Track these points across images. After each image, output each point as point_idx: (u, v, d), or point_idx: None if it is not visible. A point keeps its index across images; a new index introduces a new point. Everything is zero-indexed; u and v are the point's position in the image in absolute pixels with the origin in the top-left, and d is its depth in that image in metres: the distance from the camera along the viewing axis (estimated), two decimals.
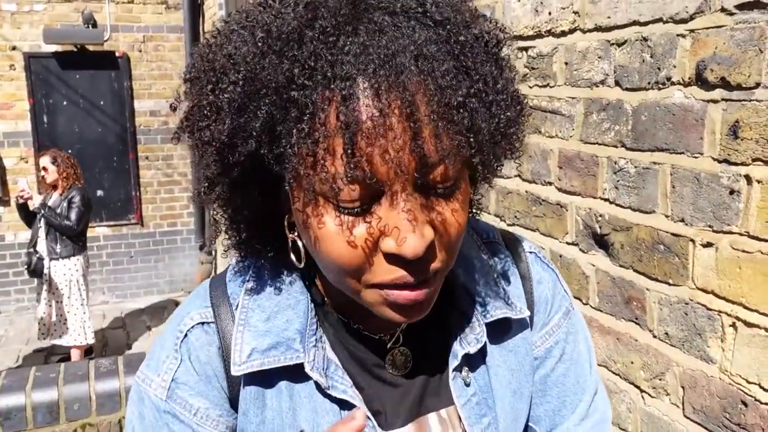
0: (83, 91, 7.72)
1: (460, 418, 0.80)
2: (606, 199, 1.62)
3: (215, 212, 0.76)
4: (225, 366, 0.76)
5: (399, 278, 0.63)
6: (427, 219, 0.63)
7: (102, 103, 7.82)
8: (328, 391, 0.75)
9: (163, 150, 8.10)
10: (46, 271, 5.71)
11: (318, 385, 0.76)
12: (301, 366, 0.74)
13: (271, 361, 0.74)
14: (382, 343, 0.80)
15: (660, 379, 1.52)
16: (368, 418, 0.76)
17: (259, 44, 0.61)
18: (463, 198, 0.66)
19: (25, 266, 5.88)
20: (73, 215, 5.56)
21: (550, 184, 1.83)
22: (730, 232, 1.29)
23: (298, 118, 0.60)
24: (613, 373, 1.66)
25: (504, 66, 0.69)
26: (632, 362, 1.60)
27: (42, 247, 5.69)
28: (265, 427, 0.76)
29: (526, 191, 1.94)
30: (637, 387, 1.59)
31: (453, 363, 0.79)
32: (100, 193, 7.84)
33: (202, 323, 0.77)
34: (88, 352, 6.15)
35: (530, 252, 0.89)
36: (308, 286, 0.79)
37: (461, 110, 0.60)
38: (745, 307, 1.28)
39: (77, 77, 7.69)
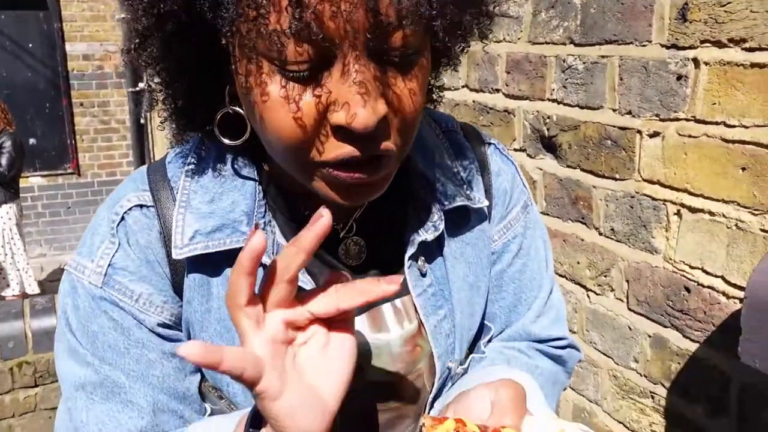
0: (9, 33, 7.27)
1: (416, 308, 0.76)
2: (554, 100, 1.60)
3: (149, 77, 0.68)
4: (167, 251, 0.69)
5: (347, 154, 0.57)
6: (381, 93, 0.56)
7: (30, 45, 7.39)
8: None
9: (98, 96, 7.75)
10: None
11: None
12: None
13: (215, 244, 0.68)
14: (334, 231, 0.74)
15: (605, 276, 1.53)
16: None
17: None
18: (423, 76, 0.60)
19: None
20: (3, 160, 5.29)
21: (498, 91, 1.80)
22: (677, 119, 1.29)
23: None
24: (560, 275, 1.67)
25: None
26: (578, 262, 1.61)
27: None
28: (211, 316, 0.71)
29: (474, 101, 1.91)
30: (583, 286, 1.61)
31: (410, 251, 0.74)
32: (32, 141, 7.47)
33: (141, 206, 0.70)
34: None
35: (489, 143, 0.85)
36: (257, 168, 0.72)
37: None
38: (690, 193, 1.28)
39: (2, 17, 7.22)
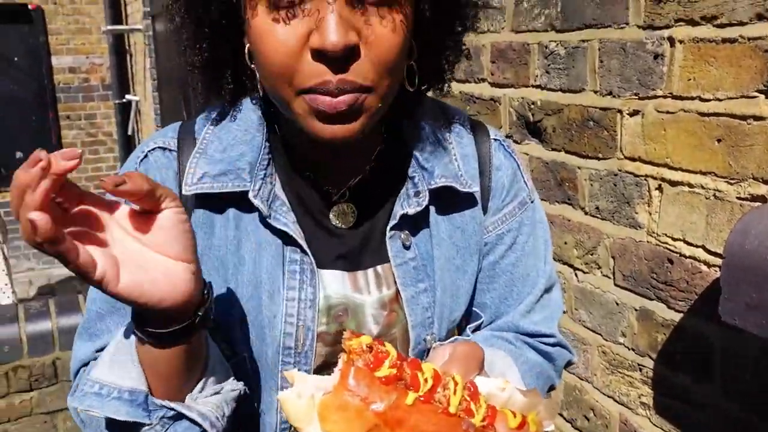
0: None
1: (395, 277, 0.83)
2: (538, 86, 1.66)
3: (180, 33, 0.78)
4: (178, 190, 0.79)
5: (322, 78, 0.65)
6: (354, 25, 0.64)
7: (16, 59, 7.38)
8: (269, 221, 0.78)
9: (85, 109, 7.74)
10: None
11: (262, 218, 0.79)
12: (247, 195, 0.77)
13: (219, 186, 0.78)
14: (329, 194, 0.83)
15: (592, 254, 1.58)
16: (305, 253, 0.79)
17: None
18: (401, 20, 0.67)
19: None
20: None
21: (484, 80, 1.85)
22: (655, 97, 1.34)
23: None
24: None
25: None
26: (566, 242, 1.66)
27: None
28: (211, 252, 0.80)
29: (461, 91, 1.96)
30: (571, 266, 1.65)
31: (391, 222, 0.82)
32: (19, 154, 7.43)
33: (163, 149, 0.82)
34: None
35: (495, 139, 0.90)
36: (269, 127, 0.82)
37: None
38: (670, 167, 1.34)
39: None
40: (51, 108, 7.56)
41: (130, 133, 7.42)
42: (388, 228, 0.82)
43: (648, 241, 1.41)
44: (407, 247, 0.83)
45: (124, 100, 7.22)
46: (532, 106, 1.68)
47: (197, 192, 0.78)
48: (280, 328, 0.79)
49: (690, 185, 1.30)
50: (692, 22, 1.25)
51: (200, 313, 0.66)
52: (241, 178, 0.78)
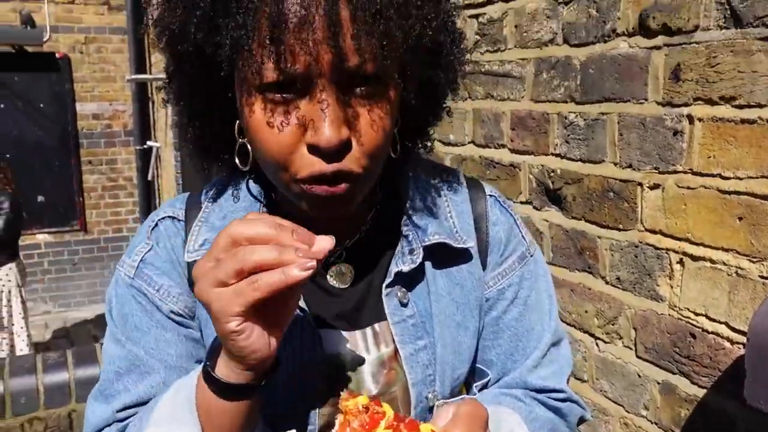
0: (22, 93, 7.47)
1: (392, 335, 0.84)
2: (557, 155, 1.68)
3: (178, 108, 0.82)
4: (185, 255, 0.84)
5: (317, 170, 0.69)
6: (345, 117, 0.68)
7: (42, 105, 7.58)
8: None
9: (106, 154, 7.90)
10: None
11: None
12: None
13: None
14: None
15: (613, 324, 1.57)
16: (304, 312, 0.82)
17: None
18: (388, 107, 0.71)
19: None
20: (0, 221, 5.35)
21: (503, 146, 1.88)
22: (675, 172, 1.36)
23: (235, 10, 0.66)
24: (568, 324, 1.71)
25: None
26: (586, 311, 1.65)
27: None
28: None
29: (480, 156, 1.99)
30: (592, 335, 1.65)
31: (387, 280, 0.83)
32: (41, 198, 7.57)
33: (172, 218, 0.87)
34: None
35: (490, 195, 0.92)
36: (266, 194, 0.86)
37: (377, 17, 0.65)
38: (691, 242, 1.34)
39: (15, 79, 7.43)
40: (74, 153, 7.72)
41: (150, 178, 7.53)
42: (384, 285, 0.83)
43: (670, 315, 1.41)
44: (404, 305, 0.84)
45: (145, 146, 7.34)
46: (552, 174, 1.70)
47: (197, 258, 0.80)
48: (281, 388, 0.80)
49: (712, 261, 1.30)
50: (711, 102, 1.27)
51: (271, 372, 0.70)
52: None
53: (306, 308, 0.81)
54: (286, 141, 0.69)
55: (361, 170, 0.71)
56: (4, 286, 5.52)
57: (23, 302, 5.68)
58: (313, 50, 0.64)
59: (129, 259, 0.85)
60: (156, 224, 0.87)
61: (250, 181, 0.86)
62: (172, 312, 0.83)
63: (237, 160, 0.79)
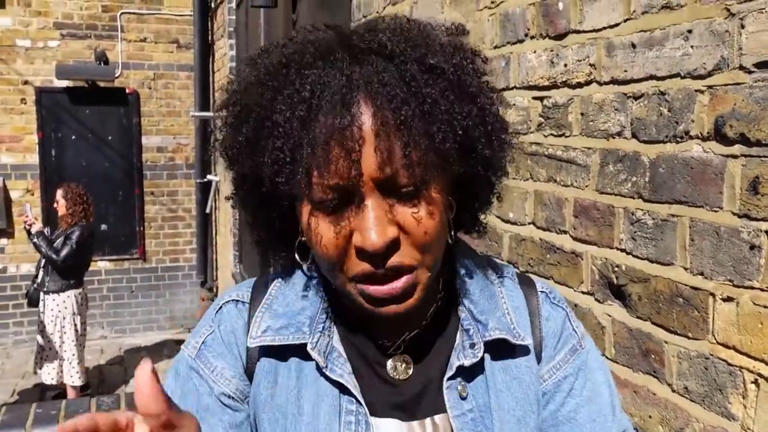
0: (92, 126, 7.81)
1: (452, 428, 0.84)
2: (623, 250, 1.62)
3: (246, 215, 0.90)
4: (247, 340, 0.88)
5: (364, 270, 0.74)
6: (391, 219, 0.73)
7: (110, 138, 7.90)
8: (326, 372, 0.83)
9: (168, 186, 8.15)
10: (40, 302, 5.68)
11: (320, 369, 0.84)
12: (306, 348, 0.84)
13: (280, 338, 0.85)
14: (385, 347, 0.88)
15: None
16: (359, 404, 0.84)
17: (258, 76, 0.78)
18: (431, 205, 0.75)
19: (25, 293, 5.85)
20: (64, 251, 5.51)
21: (565, 232, 1.83)
22: (751, 288, 1.29)
23: (272, 138, 0.73)
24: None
25: (467, 87, 0.77)
26: (650, 416, 1.58)
27: (40, 277, 5.68)
28: (273, 401, 0.86)
29: (540, 239, 1.94)
30: None
31: (448, 373, 0.85)
32: (104, 227, 7.85)
33: (237, 301, 0.91)
34: (84, 388, 6.04)
35: (542, 291, 0.95)
36: (328, 286, 0.90)
37: (402, 127, 0.71)
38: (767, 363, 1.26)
39: (87, 112, 7.78)
40: (138, 185, 7.98)
41: (208, 211, 7.72)
42: (445, 378, 0.85)
43: None
44: (464, 398, 0.84)
45: (205, 180, 7.55)
46: (617, 269, 1.64)
47: (260, 344, 0.85)
48: None
49: None
50: None
51: None
52: (301, 332, 0.85)
53: (360, 398, 0.83)
54: (336, 244, 0.74)
55: (414, 262, 0.74)
56: (60, 312, 5.68)
57: (77, 331, 5.79)
58: (350, 166, 0.70)
59: (193, 341, 0.90)
60: (220, 308, 0.91)
61: (313, 270, 0.90)
62: (222, 394, 0.86)
63: (297, 257, 0.84)
